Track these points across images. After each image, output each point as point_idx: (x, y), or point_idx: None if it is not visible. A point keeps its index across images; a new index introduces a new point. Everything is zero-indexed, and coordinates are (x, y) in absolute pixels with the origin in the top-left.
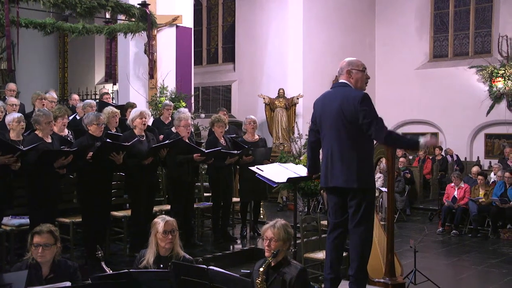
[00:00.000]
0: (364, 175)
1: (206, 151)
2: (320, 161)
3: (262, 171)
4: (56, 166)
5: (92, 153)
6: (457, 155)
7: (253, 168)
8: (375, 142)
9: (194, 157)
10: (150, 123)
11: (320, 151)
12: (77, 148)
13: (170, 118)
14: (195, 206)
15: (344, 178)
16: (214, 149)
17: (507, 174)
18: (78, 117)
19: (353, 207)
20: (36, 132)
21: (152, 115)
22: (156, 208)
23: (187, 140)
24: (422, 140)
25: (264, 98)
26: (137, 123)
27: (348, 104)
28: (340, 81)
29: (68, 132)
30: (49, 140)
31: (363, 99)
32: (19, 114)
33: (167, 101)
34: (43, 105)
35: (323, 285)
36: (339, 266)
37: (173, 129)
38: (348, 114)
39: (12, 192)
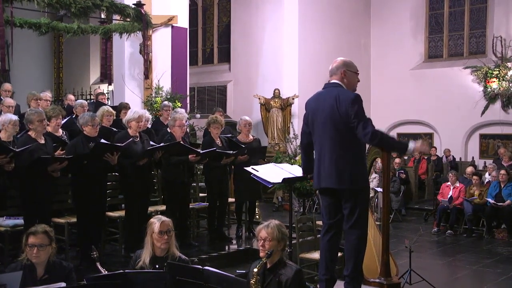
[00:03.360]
0: (356, 175)
1: (201, 151)
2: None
3: (258, 171)
4: (50, 170)
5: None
6: (452, 156)
7: (248, 169)
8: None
9: (189, 157)
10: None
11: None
12: (73, 156)
13: (169, 119)
14: (190, 206)
15: (336, 178)
16: (209, 150)
17: (502, 171)
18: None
19: (348, 209)
20: (30, 133)
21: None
22: (151, 209)
23: (181, 140)
24: (411, 144)
25: (259, 99)
26: (133, 125)
27: (341, 104)
28: (333, 81)
29: (63, 133)
30: (43, 141)
31: (355, 100)
32: (16, 118)
33: (166, 102)
34: (39, 105)
35: (318, 286)
36: (334, 267)
37: (168, 129)
38: (340, 114)
39: (6, 193)
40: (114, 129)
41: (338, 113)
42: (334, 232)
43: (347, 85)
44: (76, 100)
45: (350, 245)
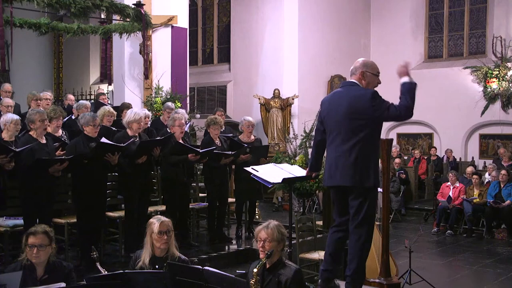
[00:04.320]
0: (366, 174)
1: (200, 150)
2: (324, 160)
3: (257, 171)
4: (51, 172)
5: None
6: (453, 156)
7: (248, 169)
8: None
9: (188, 157)
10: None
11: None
12: (73, 156)
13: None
14: (190, 206)
15: (345, 176)
16: (208, 149)
17: (503, 171)
18: (73, 117)
19: (355, 207)
20: (31, 132)
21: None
22: (151, 209)
23: (181, 141)
24: (404, 79)
25: (259, 99)
26: (134, 126)
27: (358, 102)
28: (350, 80)
29: (63, 133)
30: (44, 141)
31: (374, 95)
32: (18, 117)
33: (169, 104)
34: (39, 105)
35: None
36: (336, 261)
37: (168, 128)
38: (357, 112)
39: (6, 193)
40: (114, 128)
41: (355, 111)
42: (342, 229)
43: (366, 86)
44: (76, 100)
45: (354, 245)
